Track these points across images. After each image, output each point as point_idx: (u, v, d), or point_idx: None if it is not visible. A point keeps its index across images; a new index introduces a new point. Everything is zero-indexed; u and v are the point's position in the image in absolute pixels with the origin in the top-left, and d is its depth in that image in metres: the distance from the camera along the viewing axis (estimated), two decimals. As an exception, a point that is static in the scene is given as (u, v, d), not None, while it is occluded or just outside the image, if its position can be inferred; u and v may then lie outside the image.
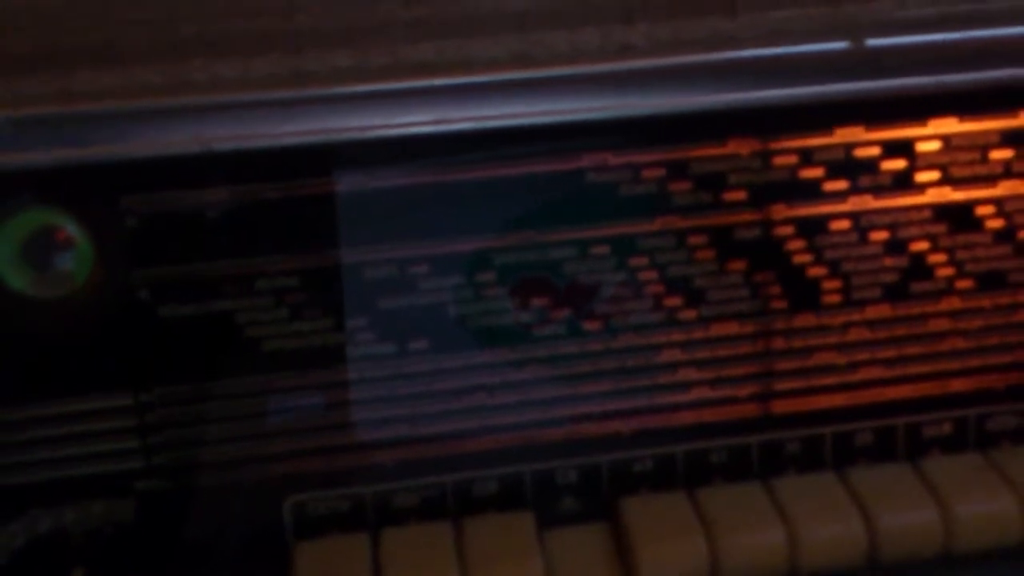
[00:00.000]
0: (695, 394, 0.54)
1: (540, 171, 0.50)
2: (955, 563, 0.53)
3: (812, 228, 0.53)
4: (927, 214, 0.53)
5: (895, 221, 0.53)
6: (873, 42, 0.49)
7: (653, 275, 0.52)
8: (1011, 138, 0.53)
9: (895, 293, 0.54)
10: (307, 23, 0.46)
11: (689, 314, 0.53)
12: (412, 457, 0.53)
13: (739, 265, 0.53)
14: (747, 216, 0.52)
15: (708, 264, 0.53)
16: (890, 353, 0.55)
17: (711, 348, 0.54)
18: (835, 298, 0.54)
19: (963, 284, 0.54)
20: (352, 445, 0.52)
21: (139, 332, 0.50)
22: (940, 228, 0.54)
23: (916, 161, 0.53)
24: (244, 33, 0.46)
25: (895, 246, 0.53)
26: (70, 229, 0.48)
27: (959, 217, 0.54)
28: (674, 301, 0.53)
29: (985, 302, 0.55)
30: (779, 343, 0.54)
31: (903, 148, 0.52)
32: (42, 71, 0.45)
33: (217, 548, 0.52)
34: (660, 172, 0.51)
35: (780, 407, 0.55)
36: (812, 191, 0.52)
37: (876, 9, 0.50)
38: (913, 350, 0.55)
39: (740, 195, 0.52)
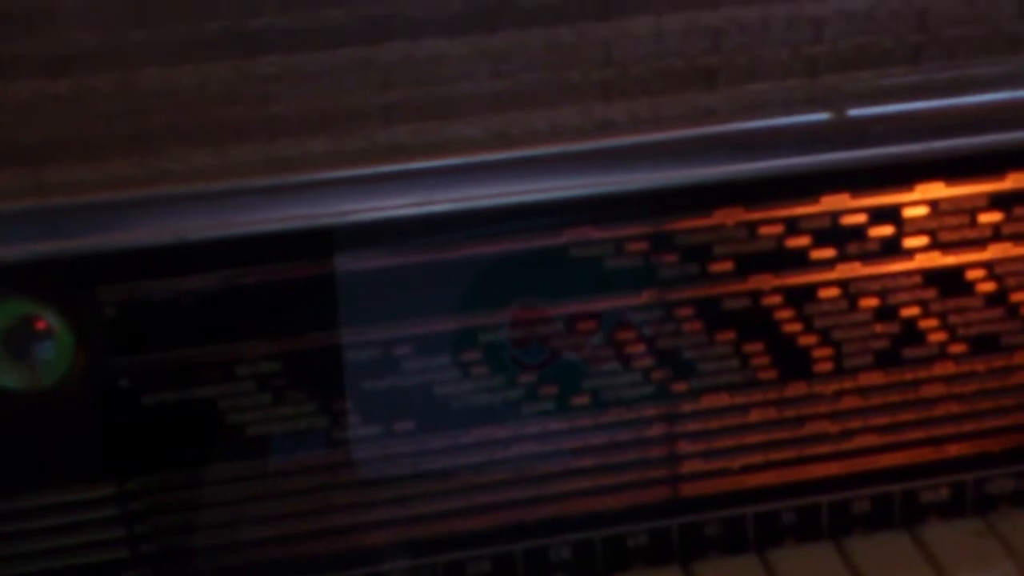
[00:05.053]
0: (688, 467, 0.53)
1: (523, 248, 0.50)
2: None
3: (801, 297, 0.52)
4: (917, 279, 0.53)
5: (885, 287, 0.53)
6: (855, 112, 0.49)
7: (642, 348, 0.52)
8: (999, 201, 0.52)
9: (887, 359, 0.53)
10: (281, 110, 0.46)
11: (680, 387, 0.52)
12: (403, 538, 0.52)
13: (729, 336, 0.52)
14: (735, 287, 0.52)
15: (697, 336, 0.52)
16: (884, 420, 0.54)
17: (702, 420, 0.53)
18: (827, 366, 0.53)
19: (956, 348, 0.54)
20: (340, 528, 0.52)
21: (121, 420, 0.49)
22: (931, 293, 0.53)
23: (904, 227, 0.52)
24: (218, 122, 0.46)
25: (886, 312, 0.53)
26: (49, 320, 0.48)
27: (949, 281, 0.53)
28: (664, 374, 0.52)
29: (979, 366, 0.54)
30: (771, 413, 0.53)
31: (890, 214, 0.52)
32: (16, 165, 0.45)
33: (205, 637, 0.51)
34: (645, 245, 0.50)
35: (775, 477, 0.54)
36: (799, 260, 0.52)
37: (856, 79, 0.49)
38: (907, 416, 0.54)
39: (727, 266, 0.51)
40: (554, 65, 0.47)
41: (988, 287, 0.53)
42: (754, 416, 0.53)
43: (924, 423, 0.55)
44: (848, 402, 0.54)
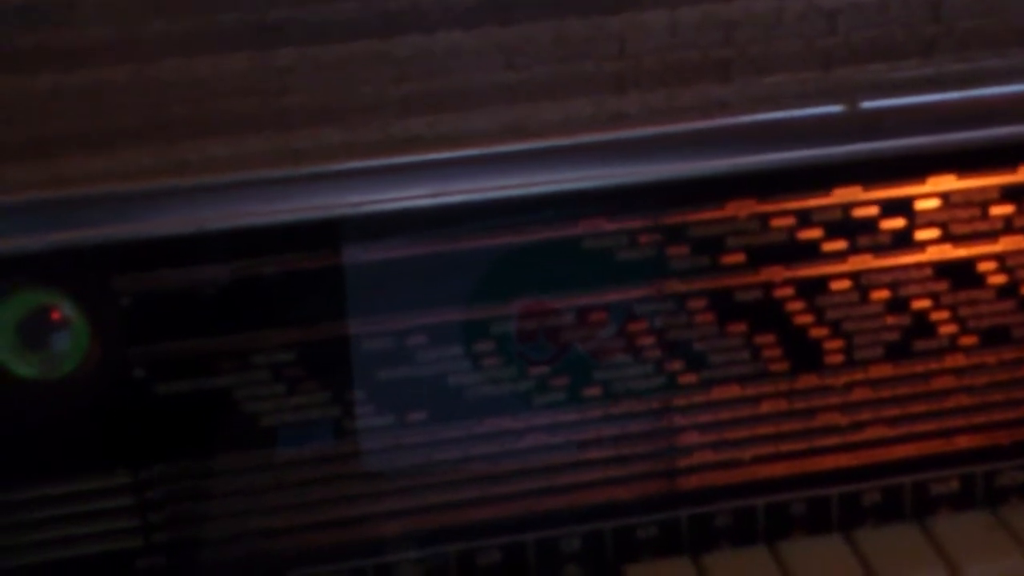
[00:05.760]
0: (698, 458, 0.54)
1: (536, 239, 0.50)
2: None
3: (813, 289, 0.52)
4: (928, 272, 0.53)
5: (896, 280, 0.53)
6: (868, 104, 0.49)
7: (653, 340, 0.52)
8: (1011, 193, 0.52)
9: (898, 352, 0.54)
10: (298, 101, 0.46)
11: (690, 378, 0.53)
12: (414, 528, 0.53)
13: (740, 328, 0.52)
14: (747, 278, 0.52)
15: (708, 327, 0.52)
16: (895, 412, 0.54)
17: (713, 412, 0.53)
18: (837, 358, 0.53)
19: (966, 341, 0.54)
20: (353, 518, 0.52)
21: (136, 410, 0.49)
22: (942, 285, 0.53)
23: (915, 219, 0.52)
24: (235, 113, 0.46)
25: (897, 305, 0.53)
26: (65, 310, 0.48)
27: (961, 274, 0.53)
28: (675, 365, 0.52)
29: (989, 358, 0.54)
30: (782, 405, 0.54)
31: (902, 207, 0.52)
32: (33, 157, 0.45)
33: (219, 625, 0.52)
34: (657, 237, 0.51)
35: (785, 469, 0.54)
36: (811, 252, 0.52)
37: (869, 71, 0.49)
38: (918, 408, 0.55)
39: (739, 258, 0.51)
40: (568, 57, 0.48)
41: (999, 279, 0.53)
42: (765, 407, 0.54)
43: (934, 415, 0.55)
44: (859, 394, 0.54)
